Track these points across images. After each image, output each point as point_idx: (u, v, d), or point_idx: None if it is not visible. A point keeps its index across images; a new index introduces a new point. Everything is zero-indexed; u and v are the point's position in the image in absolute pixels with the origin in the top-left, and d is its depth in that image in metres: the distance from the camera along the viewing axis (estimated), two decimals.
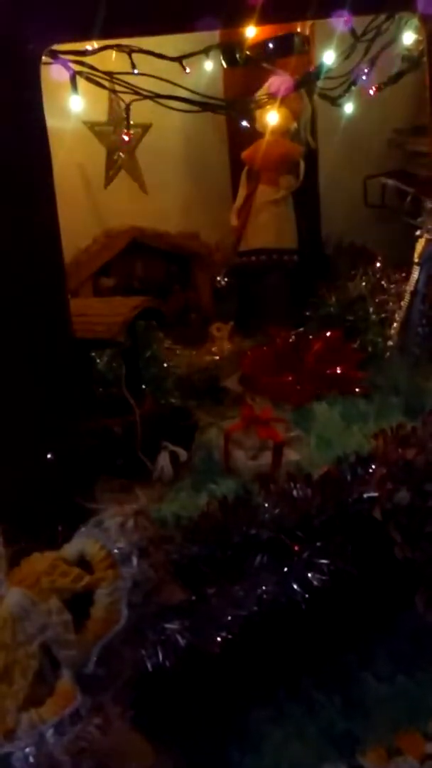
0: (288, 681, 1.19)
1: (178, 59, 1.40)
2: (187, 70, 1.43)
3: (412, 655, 1.24)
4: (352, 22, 1.34)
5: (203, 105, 1.42)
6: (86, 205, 1.82)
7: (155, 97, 1.37)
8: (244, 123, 1.67)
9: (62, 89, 1.32)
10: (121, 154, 1.77)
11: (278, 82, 1.67)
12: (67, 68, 1.21)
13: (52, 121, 1.05)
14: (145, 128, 1.73)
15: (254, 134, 1.80)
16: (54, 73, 1.16)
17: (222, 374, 1.66)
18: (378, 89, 1.58)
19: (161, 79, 1.36)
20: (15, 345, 1.07)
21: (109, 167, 1.78)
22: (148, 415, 1.39)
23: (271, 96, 1.62)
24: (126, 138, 1.63)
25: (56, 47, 1.18)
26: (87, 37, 1.11)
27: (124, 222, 1.82)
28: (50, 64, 1.16)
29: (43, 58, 1.04)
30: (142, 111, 1.56)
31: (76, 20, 1.01)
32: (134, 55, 1.37)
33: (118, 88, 1.42)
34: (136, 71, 1.39)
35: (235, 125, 1.82)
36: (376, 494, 1.16)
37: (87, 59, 1.28)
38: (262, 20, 1.11)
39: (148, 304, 1.45)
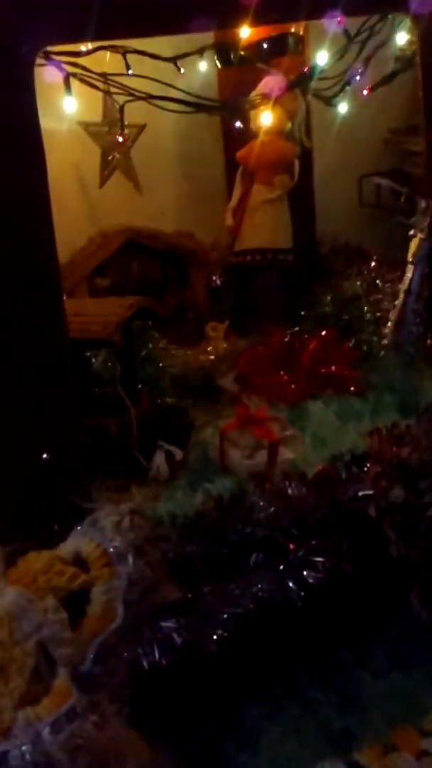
0: (284, 678, 1.20)
1: (173, 59, 1.40)
2: (182, 70, 1.43)
3: (408, 652, 1.24)
4: (346, 23, 1.35)
5: (197, 106, 1.43)
6: (81, 205, 1.82)
7: (149, 98, 1.37)
8: (238, 124, 1.66)
9: (57, 89, 1.32)
10: (116, 154, 1.77)
11: (272, 82, 1.67)
12: (61, 70, 1.21)
13: (46, 122, 1.05)
14: (140, 128, 1.74)
15: (249, 134, 1.81)
16: (47, 75, 1.16)
17: (217, 373, 1.67)
18: (371, 90, 1.58)
19: (155, 80, 1.36)
20: (10, 345, 1.07)
21: (104, 167, 1.78)
22: (144, 415, 1.40)
23: (265, 96, 1.63)
24: (121, 139, 1.63)
25: (50, 48, 1.18)
26: (81, 39, 1.11)
27: (120, 222, 1.83)
28: (44, 65, 1.16)
29: (37, 59, 1.04)
30: (136, 111, 1.56)
31: (70, 22, 1.01)
32: (129, 56, 1.37)
33: (112, 89, 1.43)
34: (130, 72, 1.40)
35: (229, 125, 1.83)
36: (370, 492, 1.17)
37: (81, 60, 1.28)
38: (256, 21, 1.12)
39: (142, 303, 1.45)
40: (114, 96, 1.48)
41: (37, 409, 1.09)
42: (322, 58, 1.47)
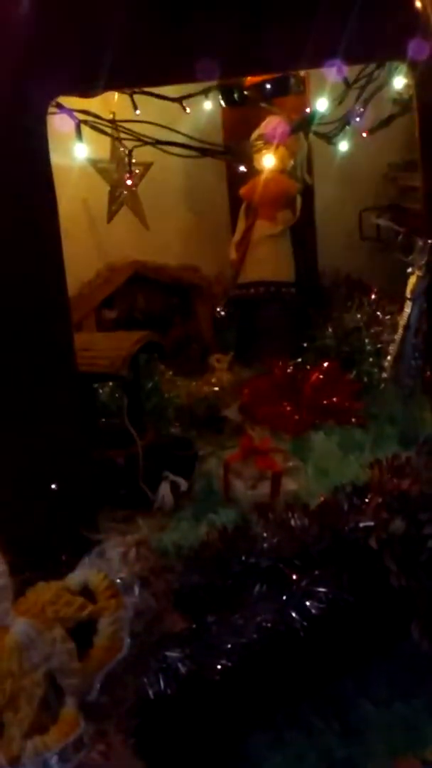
0: (287, 707, 1.21)
1: (179, 100, 1.45)
2: (188, 110, 1.48)
3: (409, 681, 1.25)
4: (345, 71, 1.39)
5: (203, 151, 1.47)
6: (90, 240, 1.86)
7: (156, 143, 1.42)
8: (242, 168, 1.71)
9: (68, 128, 1.35)
10: (123, 190, 1.82)
11: (273, 123, 1.72)
12: (72, 118, 1.26)
13: (57, 159, 1.08)
14: (147, 166, 1.78)
15: (252, 171, 1.85)
16: (59, 123, 1.20)
17: (222, 404, 1.68)
18: (370, 132, 1.62)
19: (162, 126, 1.40)
20: (21, 379, 1.10)
21: (112, 202, 1.82)
22: (150, 446, 1.42)
23: (267, 139, 1.67)
24: (129, 182, 1.68)
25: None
26: (91, 89, 1.16)
27: (127, 255, 1.87)
28: (56, 113, 1.20)
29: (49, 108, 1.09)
30: (143, 149, 1.61)
31: (81, 74, 1.06)
32: (136, 96, 1.42)
33: (120, 133, 1.47)
34: (138, 112, 1.44)
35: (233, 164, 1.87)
36: (371, 523, 1.18)
37: (90, 103, 1.33)
38: (258, 71, 1.16)
39: (149, 338, 1.48)
40: (123, 140, 1.52)
41: (46, 441, 1.12)
42: (322, 104, 1.51)
